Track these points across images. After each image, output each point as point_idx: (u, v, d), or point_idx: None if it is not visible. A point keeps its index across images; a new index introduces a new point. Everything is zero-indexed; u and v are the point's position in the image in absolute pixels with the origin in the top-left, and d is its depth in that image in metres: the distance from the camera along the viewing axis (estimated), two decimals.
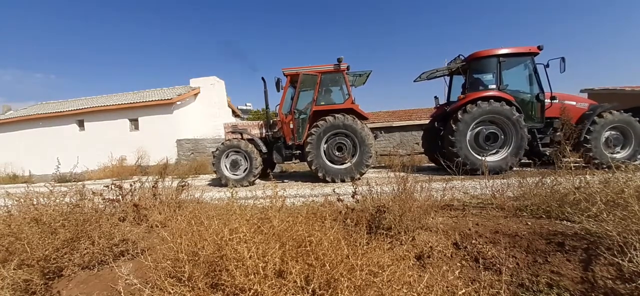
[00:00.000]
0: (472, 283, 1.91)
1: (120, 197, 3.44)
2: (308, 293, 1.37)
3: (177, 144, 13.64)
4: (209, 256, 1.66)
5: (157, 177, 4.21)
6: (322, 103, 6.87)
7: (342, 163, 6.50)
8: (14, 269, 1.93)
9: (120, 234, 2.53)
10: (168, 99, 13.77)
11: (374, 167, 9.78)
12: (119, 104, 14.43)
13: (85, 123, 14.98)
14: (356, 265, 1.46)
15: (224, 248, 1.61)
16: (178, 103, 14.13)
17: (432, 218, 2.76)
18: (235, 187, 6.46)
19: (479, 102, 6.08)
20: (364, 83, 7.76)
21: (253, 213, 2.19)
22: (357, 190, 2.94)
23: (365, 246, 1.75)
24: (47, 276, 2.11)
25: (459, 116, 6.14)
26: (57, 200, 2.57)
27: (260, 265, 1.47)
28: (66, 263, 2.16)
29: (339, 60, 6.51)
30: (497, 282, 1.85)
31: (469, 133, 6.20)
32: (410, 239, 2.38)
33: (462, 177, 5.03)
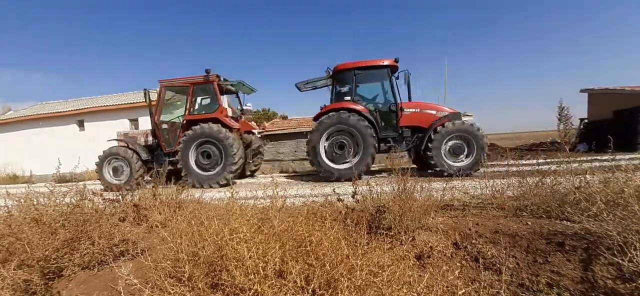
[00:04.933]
0: (472, 283, 1.91)
1: (120, 197, 3.44)
2: (308, 293, 1.37)
3: None
4: (209, 256, 1.66)
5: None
6: (195, 113, 7.40)
7: (209, 170, 6.94)
8: (14, 269, 1.93)
9: (120, 234, 2.53)
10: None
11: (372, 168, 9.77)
12: (119, 104, 14.42)
13: (85, 123, 14.97)
14: (356, 265, 1.46)
15: (224, 248, 1.61)
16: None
17: (432, 218, 2.76)
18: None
19: (331, 113, 6.45)
20: (252, 90, 8.37)
21: (253, 213, 2.19)
22: (357, 190, 2.94)
23: (365, 247, 1.75)
24: (47, 277, 2.11)
25: (314, 127, 6.59)
26: (57, 200, 2.57)
27: (261, 265, 1.47)
28: (66, 264, 2.16)
29: (207, 72, 6.91)
30: (497, 282, 1.85)
31: (323, 143, 6.57)
32: (410, 239, 2.37)
33: (462, 176, 5.07)
